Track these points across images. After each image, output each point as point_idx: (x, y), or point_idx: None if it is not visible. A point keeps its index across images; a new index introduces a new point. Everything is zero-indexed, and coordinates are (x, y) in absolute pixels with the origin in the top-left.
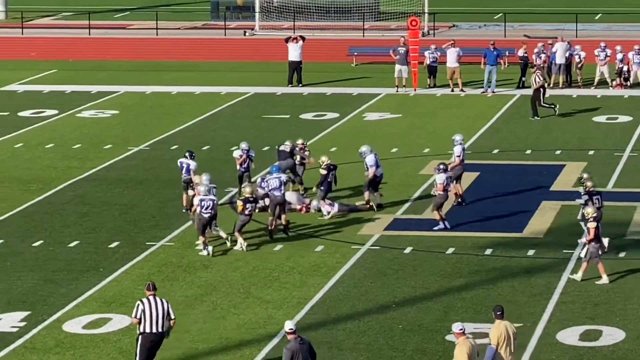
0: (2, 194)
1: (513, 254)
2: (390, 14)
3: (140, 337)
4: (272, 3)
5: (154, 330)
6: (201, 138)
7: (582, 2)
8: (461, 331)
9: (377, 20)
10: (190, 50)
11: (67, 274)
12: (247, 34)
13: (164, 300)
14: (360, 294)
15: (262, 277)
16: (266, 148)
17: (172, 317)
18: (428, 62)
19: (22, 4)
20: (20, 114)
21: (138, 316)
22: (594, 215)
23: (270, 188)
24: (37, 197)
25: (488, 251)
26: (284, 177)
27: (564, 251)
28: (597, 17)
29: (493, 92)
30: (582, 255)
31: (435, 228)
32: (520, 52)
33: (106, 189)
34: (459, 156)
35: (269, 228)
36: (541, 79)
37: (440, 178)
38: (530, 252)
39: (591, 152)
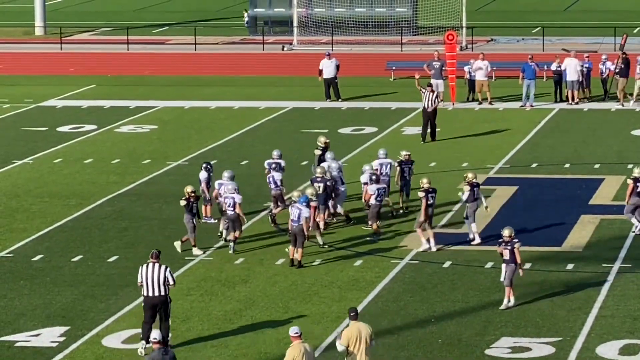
0: (42, 209)
1: (552, 267)
2: (428, 28)
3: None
4: (310, 18)
5: (149, 294)
6: (240, 153)
7: (620, 16)
8: (297, 335)
9: (415, 35)
10: (229, 65)
11: (106, 289)
12: (285, 48)
13: (162, 267)
14: (399, 309)
15: (301, 291)
16: (305, 162)
17: (171, 282)
18: (468, 77)
19: (60, 19)
20: (59, 129)
21: (139, 280)
22: (512, 236)
23: (290, 217)
24: (76, 212)
25: (527, 265)
26: (305, 211)
27: (603, 265)
28: (635, 31)
29: (532, 105)
30: (503, 279)
31: (373, 238)
32: (554, 66)
33: (145, 204)
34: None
35: (291, 258)
36: (440, 100)
37: (371, 189)
38: (570, 266)
39: (630, 166)
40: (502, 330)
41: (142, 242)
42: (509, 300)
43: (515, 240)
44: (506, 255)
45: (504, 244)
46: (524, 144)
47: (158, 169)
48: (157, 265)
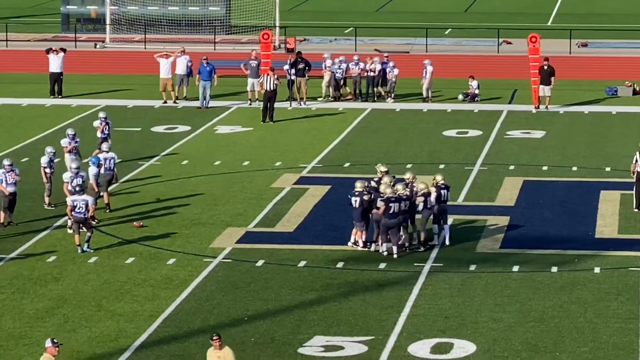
0: None
1: (364, 267)
2: (242, 27)
3: None
4: (124, 16)
5: None
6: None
7: (432, 18)
8: (53, 345)
9: (228, 34)
10: (41, 62)
11: None
12: (97, 46)
13: None
14: (212, 307)
15: (114, 290)
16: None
17: None
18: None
19: None
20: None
21: None
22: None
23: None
24: None
25: (340, 264)
26: (90, 199)
27: (415, 264)
28: (446, 32)
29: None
30: None
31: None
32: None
33: None
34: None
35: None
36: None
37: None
38: (382, 265)
39: (442, 166)
40: (315, 329)
41: None
42: None
43: None
44: None
45: None
46: (337, 144)
47: None
48: None
